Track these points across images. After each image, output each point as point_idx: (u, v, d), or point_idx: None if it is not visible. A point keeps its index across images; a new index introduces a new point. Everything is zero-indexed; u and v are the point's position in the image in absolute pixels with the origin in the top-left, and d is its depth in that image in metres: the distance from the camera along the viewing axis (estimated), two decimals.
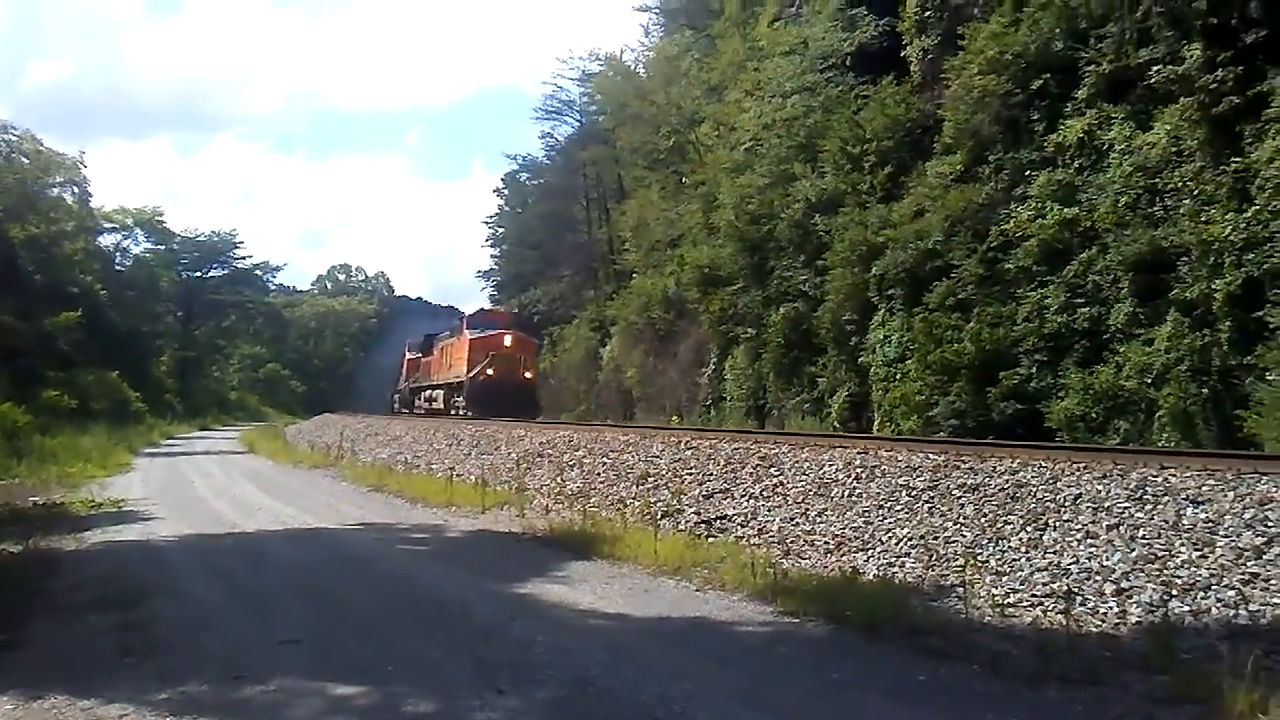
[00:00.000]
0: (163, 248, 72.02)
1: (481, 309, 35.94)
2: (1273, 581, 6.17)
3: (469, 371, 31.01)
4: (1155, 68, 16.23)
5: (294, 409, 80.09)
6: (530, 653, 6.36)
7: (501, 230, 71.47)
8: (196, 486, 19.15)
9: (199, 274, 77.02)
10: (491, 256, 73.41)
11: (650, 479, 12.78)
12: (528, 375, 32.46)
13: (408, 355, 47.63)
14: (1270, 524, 6.70)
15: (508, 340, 32.16)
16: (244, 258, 79.66)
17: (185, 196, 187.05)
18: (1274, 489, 7.12)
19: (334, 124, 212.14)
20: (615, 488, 13.43)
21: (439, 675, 5.92)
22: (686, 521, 10.97)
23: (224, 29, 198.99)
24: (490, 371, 30.49)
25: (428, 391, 39.01)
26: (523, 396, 30.87)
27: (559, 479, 14.96)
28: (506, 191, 71.11)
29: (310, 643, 6.76)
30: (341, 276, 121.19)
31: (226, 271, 79.04)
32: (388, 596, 8.48)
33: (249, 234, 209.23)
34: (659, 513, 10.98)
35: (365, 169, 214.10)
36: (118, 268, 64.19)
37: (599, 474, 14.43)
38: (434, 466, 19.57)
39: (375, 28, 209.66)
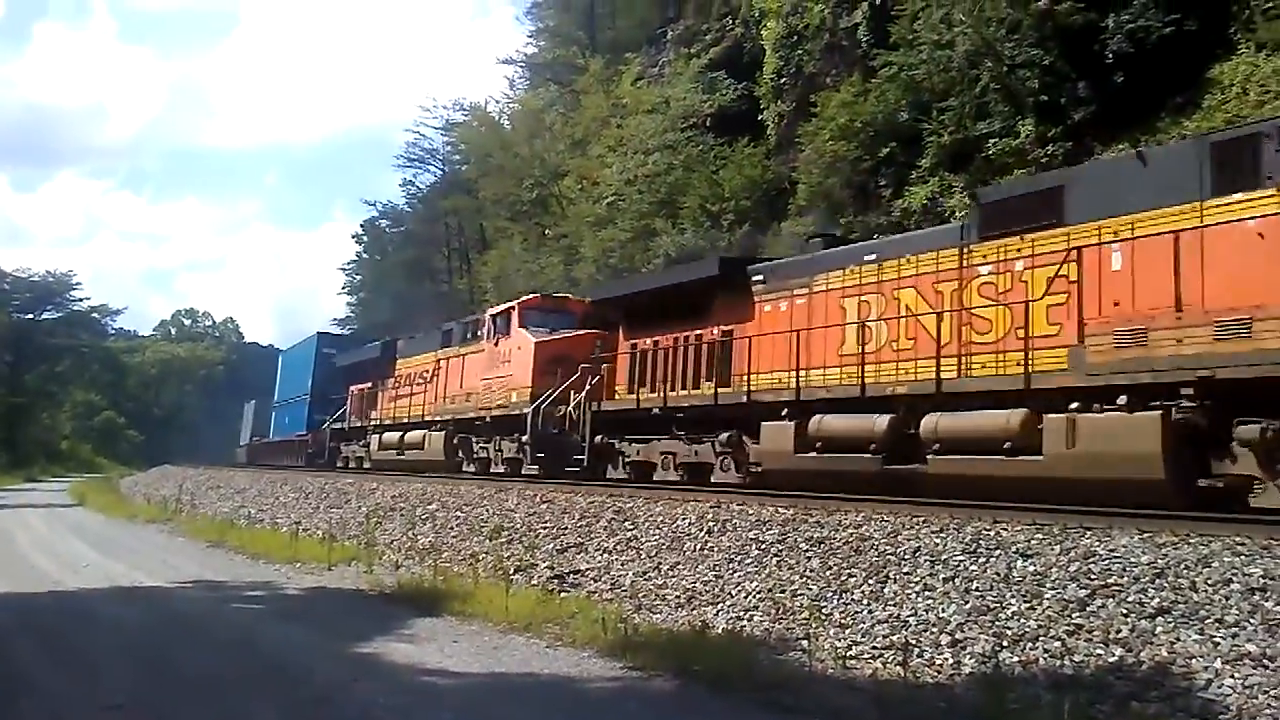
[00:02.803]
0: None
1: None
2: (1095, 633, 6.46)
3: None
4: (992, 140, 17.23)
5: (132, 460, 75.90)
6: (372, 715, 6.15)
7: (359, 278, 70.37)
8: (18, 542, 17.91)
9: (31, 316, 72.56)
10: (348, 304, 72.14)
11: (504, 533, 12.60)
12: None
13: (529, 338, 19.48)
14: (1093, 577, 7.04)
15: None
16: (81, 300, 75.64)
17: (21, 234, 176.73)
18: (1096, 543, 7.49)
19: (187, 162, 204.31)
20: (468, 542, 13.20)
21: None
22: (539, 576, 10.85)
23: (69, 64, 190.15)
24: None
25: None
26: None
27: (410, 533, 14.61)
28: (365, 238, 70.14)
29: (136, 709, 6.36)
30: (187, 321, 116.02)
31: (61, 314, 74.81)
32: (222, 658, 8.07)
33: (90, 275, 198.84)
34: (511, 568, 10.83)
35: (218, 209, 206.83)
36: None
37: (452, 528, 14.15)
38: (279, 521, 18.84)
39: (233, 69, 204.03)
